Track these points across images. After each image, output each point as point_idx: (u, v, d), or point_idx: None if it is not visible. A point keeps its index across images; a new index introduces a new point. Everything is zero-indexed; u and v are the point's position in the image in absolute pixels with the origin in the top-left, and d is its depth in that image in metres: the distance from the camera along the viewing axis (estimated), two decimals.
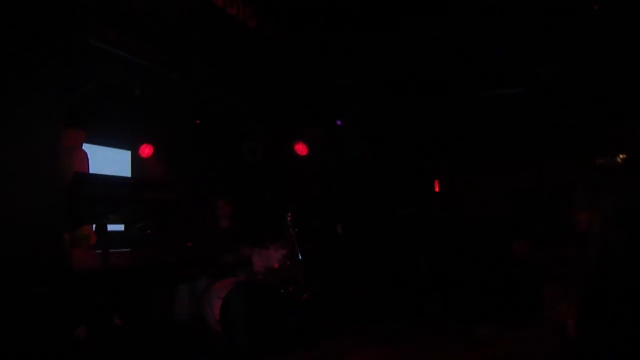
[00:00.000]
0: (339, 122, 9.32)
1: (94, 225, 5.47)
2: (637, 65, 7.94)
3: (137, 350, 5.60)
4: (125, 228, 6.07)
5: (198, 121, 8.64)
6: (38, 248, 4.05)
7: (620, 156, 9.08)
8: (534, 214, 8.56)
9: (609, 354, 5.32)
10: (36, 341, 4.02)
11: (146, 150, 8.51)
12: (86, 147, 6.42)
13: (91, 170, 6.48)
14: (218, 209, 7.48)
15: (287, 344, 6.40)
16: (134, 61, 6.53)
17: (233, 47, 6.87)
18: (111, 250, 5.00)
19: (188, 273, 6.70)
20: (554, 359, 5.64)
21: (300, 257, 7.15)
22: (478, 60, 8.57)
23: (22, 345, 3.88)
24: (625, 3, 7.08)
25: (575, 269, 5.83)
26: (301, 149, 9.33)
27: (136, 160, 8.41)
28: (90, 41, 5.80)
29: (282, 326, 6.52)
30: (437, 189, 10.13)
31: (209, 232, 7.28)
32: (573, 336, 5.59)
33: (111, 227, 5.13)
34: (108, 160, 7.86)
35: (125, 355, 5.31)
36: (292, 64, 7.71)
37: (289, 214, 7.24)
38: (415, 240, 9.21)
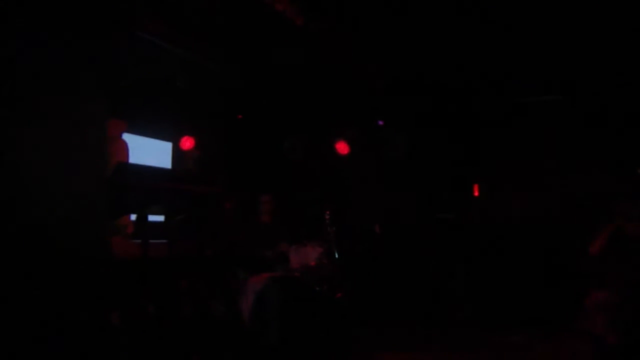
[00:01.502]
0: (380, 123, 9.27)
1: (132, 215, 5.54)
2: None
3: (168, 340, 5.63)
4: (165, 219, 6.11)
5: (240, 116, 8.67)
6: (82, 234, 4.11)
7: None
8: (574, 222, 8.42)
9: None
10: (71, 322, 4.07)
11: (187, 143, 8.54)
12: (127, 136, 6.50)
13: (131, 160, 6.56)
14: (262, 204, 7.50)
15: (318, 342, 6.40)
16: (181, 54, 6.59)
17: (278, 44, 6.88)
18: (150, 241, 5.06)
19: (225, 266, 6.72)
20: None
21: (337, 256, 7.14)
22: (522, 66, 8.45)
23: (58, 323, 3.94)
24: None
25: (622, 280, 5.72)
26: (342, 147, 9.31)
27: (177, 152, 8.45)
28: (139, 33, 5.86)
29: (315, 324, 6.51)
30: (476, 194, 10.02)
31: (249, 227, 7.31)
32: (613, 350, 5.47)
33: (151, 218, 5.17)
34: (149, 151, 7.91)
35: (156, 344, 5.35)
36: (336, 63, 7.69)
37: (328, 212, 7.24)
38: (453, 245, 9.11)
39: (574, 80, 8.78)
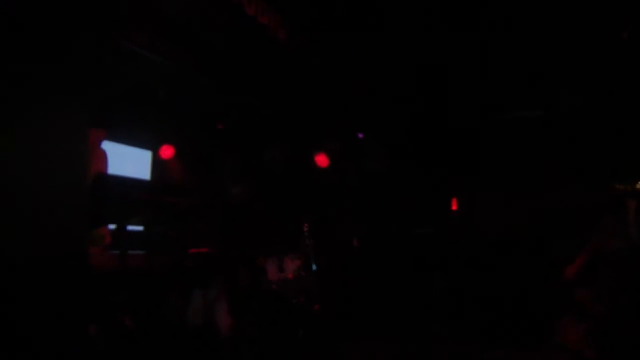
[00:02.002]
0: (360, 135, 9.31)
1: (110, 225, 5.50)
2: None
3: (146, 352, 5.61)
4: (144, 230, 6.10)
5: (221, 126, 8.66)
6: (60, 247, 4.07)
7: None
8: (551, 237, 8.51)
9: None
10: (48, 336, 4.03)
11: (167, 152, 8.52)
12: (106, 144, 6.46)
13: (110, 169, 6.52)
14: (245, 216, 7.49)
15: (295, 355, 6.40)
16: (162, 63, 6.58)
17: (260, 56, 6.89)
18: (129, 252, 5.03)
19: (203, 278, 6.70)
20: None
21: (314, 268, 7.15)
22: (501, 81, 8.55)
23: (35, 338, 3.90)
24: None
25: (598, 296, 5.79)
26: (322, 160, 9.33)
27: (156, 161, 8.43)
28: (120, 42, 5.84)
29: (292, 336, 6.51)
30: (454, 207, 10.09)
31: (227, 238, 7.29)
32: None
33: (130, 229, 5.14)
34: (128, 159, 7.88)
35: (134, 356, 5.33)
36: (317, 76, 7.72)
37: (306, 224, 7.25)
38: (430, 259, 9.15)
39: (551, 96, 8.90)
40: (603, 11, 6.81)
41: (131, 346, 5.33)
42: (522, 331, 7.60)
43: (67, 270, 4.26)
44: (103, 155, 5.89)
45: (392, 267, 8.79)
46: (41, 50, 4.23)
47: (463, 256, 9.29)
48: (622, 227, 6.19)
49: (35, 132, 4.10)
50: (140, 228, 5.93)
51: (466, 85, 8.74)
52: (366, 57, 8.01)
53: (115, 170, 7.06)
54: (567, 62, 7.90)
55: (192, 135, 8.71)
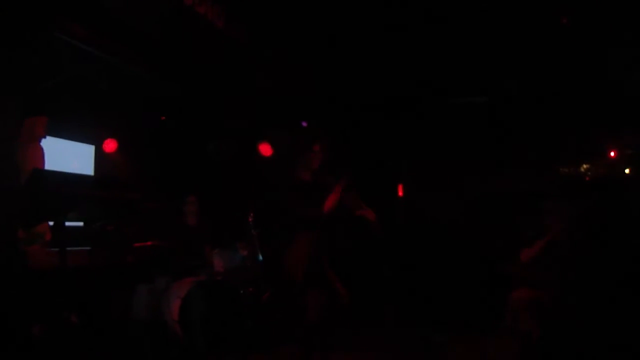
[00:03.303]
0: (304, 124, 9.30)
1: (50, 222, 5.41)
2: (600, 80, 8.09)
3: (93, 349, 5.55)
4: (84, 225, 5.99)
5: (164, 117, 8.58)
6: None
7: (584, 166, 9.31)
8: (498, 221, 8.64)
9: None
10: None
11: (110, 145, 8.40)
12: (48, 140, 6.34)
13: (54, 165, 6.42)
14: (187, 204, 7.42)
15: (245, 345, 6.40)
16: (100, 56, 6.47)
17: (200, 46, 6.83)
18: (69, 249, 4.95)
19: (147, 272, 6.65)
20: None
21: (260, 259, 7.15)
22: (444, 68, 8.63)
23: None
24: (593, 19, 7.18)
25: (547, 279, 5.93)
26: (265, 149, 9.30)
27: (100, 155, 8.30)
28: (55, 34, 5.73)
29: (241, 327, 6.52)
30: (400, 194, 10.17)
31: (172, 230, 7.23)
32: (537, 345, 5.67)
33: (70, 224, 5.06)
34: (71, 154, 7.76)
35: (82, 353, 5.27)
36: (258, 65, 7.68)
37: (251, 214, 7.23)
38: (377, 245, 9.19)
39: (497, 81, 9.01)
40: None
41: (77, 344, 5.26)
42: (471, 315, 7.70)
43: (3, 271, 4.20)
44: (40, 151, 5.79)
45: (337, 253, 8.80)
46: None
47: (409, 241, 9.39)
48: (566, 210, 6.35)
49: None
50: (80, 224, 5.82)
51: (410, 70, 8.79)
52: (309, 46, 8.02)
53: (60, 166, 6.96)
54: (510, 47, 8.01)
55: (135, 128, 8.60)
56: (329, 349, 5.62)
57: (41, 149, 5.79)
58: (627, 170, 8.89)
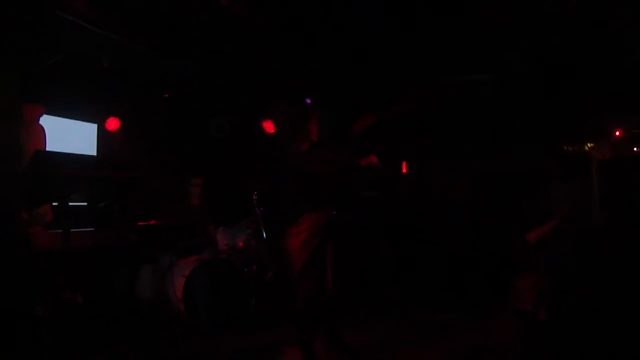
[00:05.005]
0: (308, 101, 9.23)
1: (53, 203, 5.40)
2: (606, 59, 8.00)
3: (97, 328, 5.57)
4: (88, 205, 5.98)
5: (167, 95, 8.53)
6: None
7: (589, 144, 9.24)
8: (503, 200, 8.59)
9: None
10: None
11: (113, 124, 8.36)
12: (50, 119, 6.31)
13: (56, 144, 6.39)
14: (192, 186, 7.42)
15: (249, 324, 6.42)
16: (101, 34, 6.41)
17: (203, 23, 6.76)
18: (72, 230, 4.95)
19: (151, 251, 6.66)
20: (520, 350, 5.71)
21: (265, 237, 7.15)
22: (449, 45, 8.52)
23: None
24: None
25: (549, 257, 5.91)
26: (269, 127, 9.26)
27: (102, 134, 8.26)
28: (56, 12, 5.67)
29: (245, 305, 6.53)
30: (404, 171, 10.13)
31: (176, 209, 7.23)
32: (542, 326, 5.67)
33: (73, 204, 5.05)
34: (73, 133, 7.73)
35: (85, 333, 5.28)
36: (262, 42, 7.60)
37: (255, 192, 7.22)
38: (379, 223, 9.17)
39: (500, 59, 8.91)
40: None
41: (81, 324, 5.28)
42: (476, 294, 7.68)
43: (6, 252, 4.19)
44: (41, 132, 5.76)
45: (341, 232, 8.81)
46: None
47: (413, 220, 9.35)
48: (574, 192, 6.32)
49: None
50: (83, 204, 5.80)
51: (413, 49, 8.69)
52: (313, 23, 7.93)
53: (62, 145, 6.93)
54: (515, 23, 7.91)
55: (138, 106, 8.55)
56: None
57: (42, 129, 5.76)
58: (634, 149, 8.84)
